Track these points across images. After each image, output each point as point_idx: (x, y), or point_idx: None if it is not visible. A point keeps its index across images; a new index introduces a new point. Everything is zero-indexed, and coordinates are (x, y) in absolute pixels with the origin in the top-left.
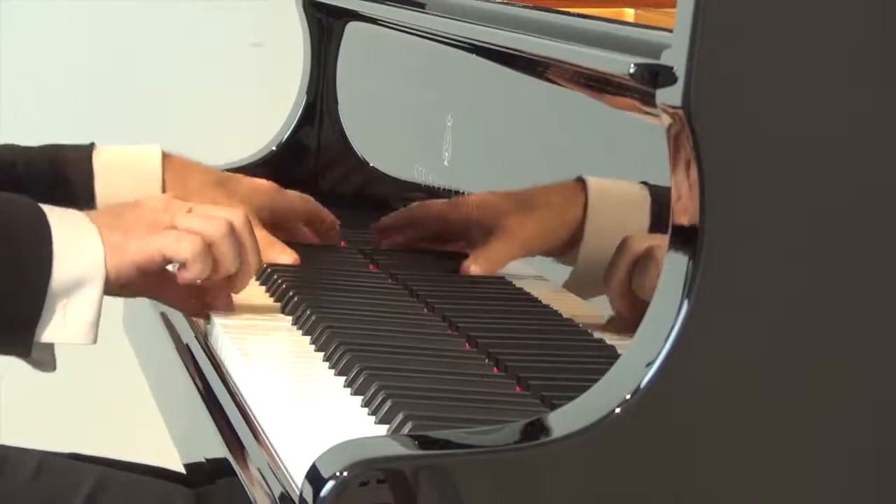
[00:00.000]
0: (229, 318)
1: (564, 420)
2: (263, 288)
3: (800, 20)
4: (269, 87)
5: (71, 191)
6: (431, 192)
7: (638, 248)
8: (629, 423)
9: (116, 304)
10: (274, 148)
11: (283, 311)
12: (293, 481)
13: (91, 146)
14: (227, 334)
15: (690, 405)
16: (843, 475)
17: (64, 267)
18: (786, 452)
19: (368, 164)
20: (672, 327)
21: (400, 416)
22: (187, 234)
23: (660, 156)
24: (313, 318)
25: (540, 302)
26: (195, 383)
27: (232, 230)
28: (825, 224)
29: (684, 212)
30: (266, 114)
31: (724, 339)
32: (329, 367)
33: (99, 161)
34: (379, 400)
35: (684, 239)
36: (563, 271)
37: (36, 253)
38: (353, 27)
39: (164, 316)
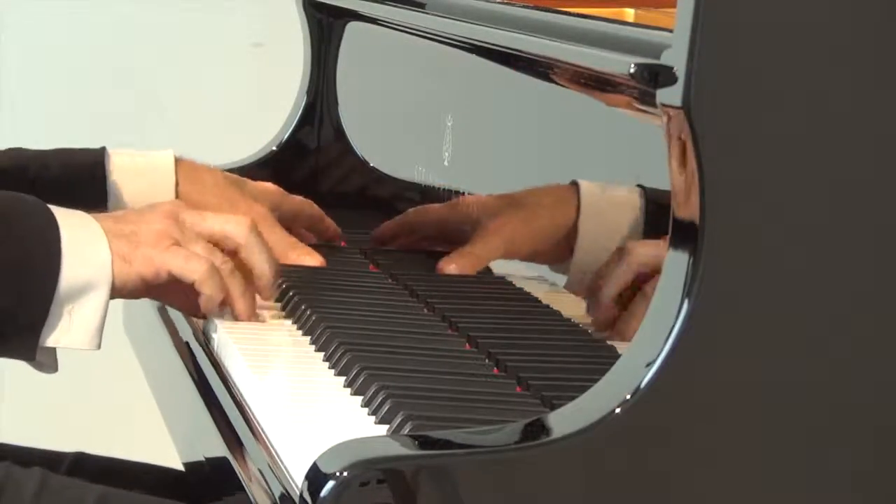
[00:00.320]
0: (229, 318)
1: (564, 420)
2: None
3: (800, 20)
4: (269, 88)
5: (83, 195)
6: (431, 193)
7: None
8: (629, 423)
9: (116, 304)
10: (274, 148)
11: (283, 310)
12: (293, 481)
13: (103, 150)
14: (227, 334)
15: (690, 405)
16: (844, 475)
17: (72, 271)
18: (786, 453)
19: (368, 164)
20: (672, 327)
21: (400, 416)
22: (196, 255)
23: (659, 156)
24: (313, 318)
25: (540, 302)
26: (195, 383)
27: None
28: (825, 224)
29: (684, 212)
30: (266, 114)
31: (724, 339)
32: (329, 367)
33: (112, 165)
34: (379, 400)
35: (684, 239)
36: (563, 271)
37: (45, 256)
38: (353, 27)
39: (164, 316)
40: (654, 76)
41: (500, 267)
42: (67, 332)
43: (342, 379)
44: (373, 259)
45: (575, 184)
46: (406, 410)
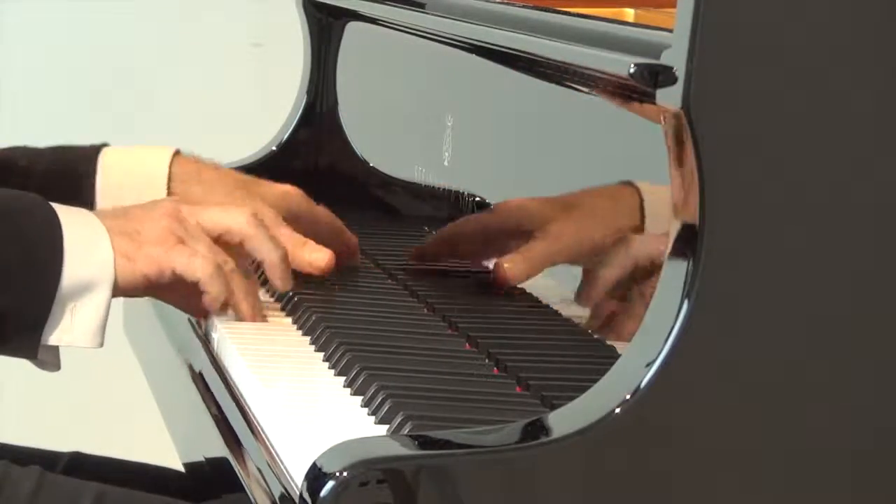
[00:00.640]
0: (229, 318)
1: (564, 420)
2: (264, 288)
3: (800, 20)
4: (269, 88)
5: (71, 188)
6: (431, 193)
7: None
8: (629, 423)
9: (116, 304)
10: (274, 148)
11: (283, 310)
12: (293, 481)
13: (100, 147)
14: (227, 334)
15: (690, 405)
16: (844, 475)
17: (74, 269)
18: (786, 453)
19: (368, 164)
20: (672, 327)
21: (400, 416)
22: (200, 254)
23: (659, 156)
24: (313, 318)
25: (540, 302)
26: (195, 383)
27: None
28: (825, 224)
29: (684, 212)
30: (266, 114)
31: (724, 339)
32: (329, 367)
33: (104, 160)
34: (379, 400)
35: (684, 239)
36: (563, 271)
37: (47, 253)
38: (353, 27)
39: (164, 316)
40: (654, 76)
41: None
42: (69, 330)
43: (342, 379)
44: (373, 259)
45: (631, 184)
46: (406, 410)
